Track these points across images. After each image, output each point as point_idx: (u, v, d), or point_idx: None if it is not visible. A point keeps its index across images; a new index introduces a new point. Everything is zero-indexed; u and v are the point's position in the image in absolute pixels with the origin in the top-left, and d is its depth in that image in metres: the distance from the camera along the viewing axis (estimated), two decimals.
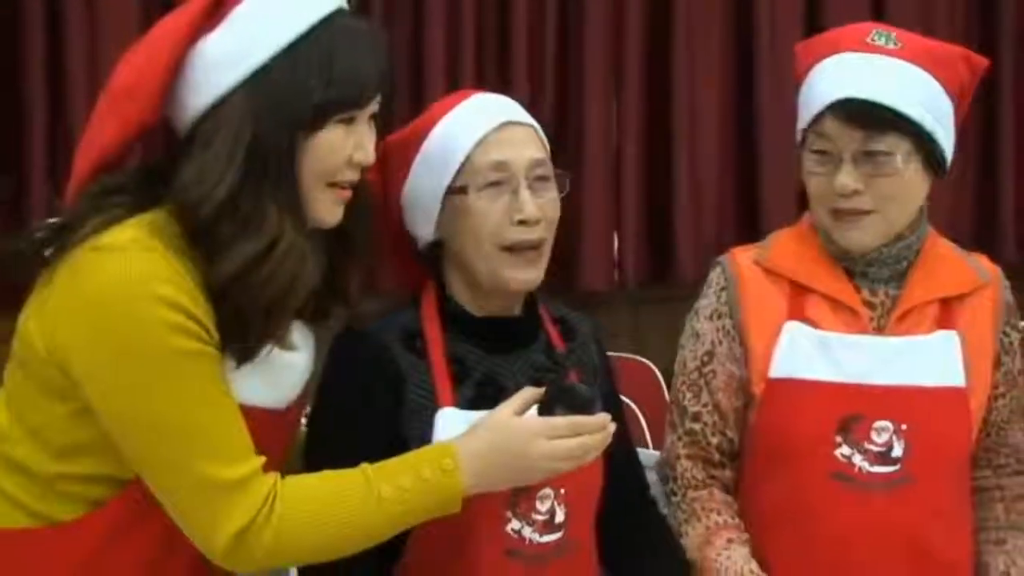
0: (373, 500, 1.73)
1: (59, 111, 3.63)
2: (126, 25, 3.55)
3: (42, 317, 1.71)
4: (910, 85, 2.04)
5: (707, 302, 2.18)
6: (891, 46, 2.06)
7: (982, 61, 2.16)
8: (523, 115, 1.98)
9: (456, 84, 3.84)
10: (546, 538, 1.91)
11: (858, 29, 2.11)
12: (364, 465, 1.76)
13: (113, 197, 1.72)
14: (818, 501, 2.07)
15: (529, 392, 1.84)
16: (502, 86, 3.82)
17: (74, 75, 3.61)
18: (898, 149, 2.04)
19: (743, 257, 2.19)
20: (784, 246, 2.19)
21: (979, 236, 4.49)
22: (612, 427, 1.83)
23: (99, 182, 1.74)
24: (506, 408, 1.82)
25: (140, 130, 1.74)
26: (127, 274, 1.65)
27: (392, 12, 3.93)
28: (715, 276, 2.19)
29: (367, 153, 1.78)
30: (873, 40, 2.06)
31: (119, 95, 1.73)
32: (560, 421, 1.80)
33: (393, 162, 1.96)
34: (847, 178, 2.04)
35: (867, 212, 2.07)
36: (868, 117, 2.03)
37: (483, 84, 3.83)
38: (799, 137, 2.13)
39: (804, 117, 2.10)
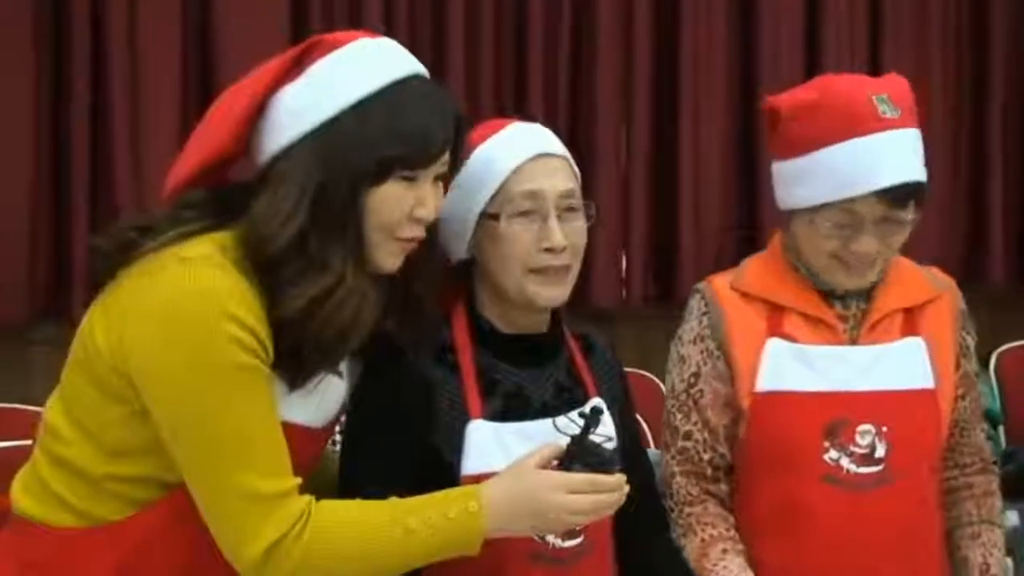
0: (399, 533, 1.71)
1: (102, 183, 3.66)
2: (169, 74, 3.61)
3: (108, 318, 1.71)
4: (920, 151, 2.09)
5: (689, 327, 2.19)
6: (895, 115, 2.06)
7: None
8: (557, 147, 1.97)
9: (476, 113, 3.85)
10: (567, 543, 1.91)
11: (859, 100, 2.07)
12: (393, 499, 1.75)
13: (188, 211, 1.74)
14: (812, 504, 2.09)
15: (551, 447, 1.82)
16: (519, 114, 3.83)
17: (118, 140, 3.65)
18: (914, 210, 2.08)
19: (719, 283, 2.20)
20: (757, 271, 2.21)
21: (969, 262, 4.49)
22: (626, 488, 1.81)
23: (181, 196, 1.77)
24: (530, 460, 1.80)
25: (218, 159, 1.77)
26: (201, 285, 1.65)
27: (414, 42, 3.94)
28: (695, 303, 2.21)
29: (429, 210, 1.77)
30: (884, 114, 2.06)
31: (210, 124, 1.78)
32: (579, 477, 1.77)
33: None
34: (873, 243, 2.07)
35: (874, 260, 2.10)
36: (907, 195, 2.06)
37: (501, 112, 3.85)
38: (808, 202, 2.10)
39: (823, 193, 2.07)
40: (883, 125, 2.06)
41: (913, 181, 2.05)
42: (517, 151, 1.93)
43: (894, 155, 2.06)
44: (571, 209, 1.94)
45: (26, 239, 3.60)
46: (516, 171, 1.92)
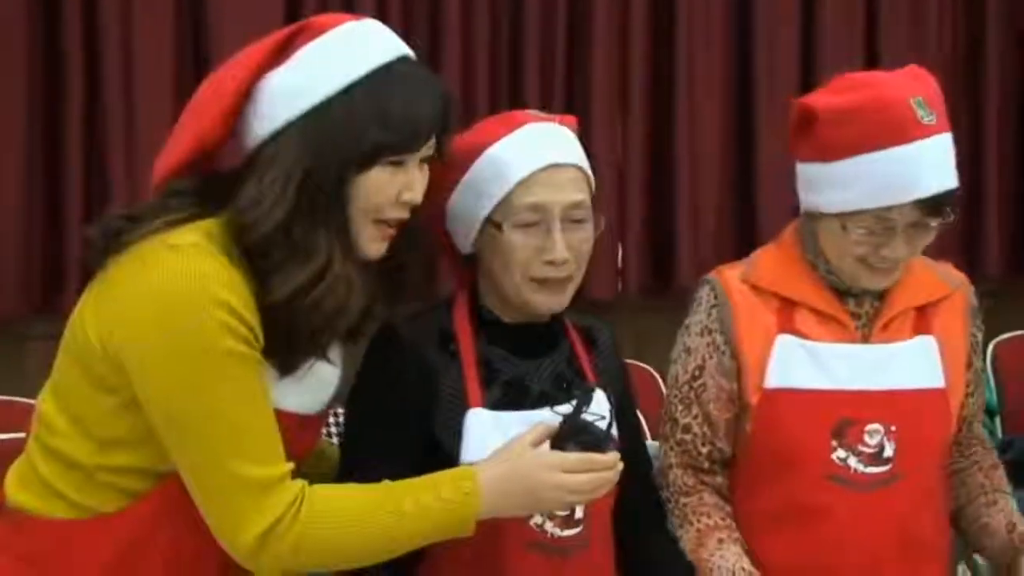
0: (395, 515, 1.72)
1: (96, 170, 3.65)
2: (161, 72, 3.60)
3: (99, 306, 1.71)
4: (953, 156, 2.05)
5: (698, 319, 2.16)
6: (932, 120, 2.01)
7: None
8: (572, 154, 1.92)
9: (470, 107, 3.84)
10: (566, 532, 1.91)
11: (900, 104, 2.02)
12: (387, 482, 1.75)
13: (176, 199, 1.73)
14: (817, 502, 2.07)
15: (544, 426, 1.82)
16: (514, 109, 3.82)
17: (112, 133, 3.63)
18: (945, 214, 2.06)
19: (730, 275, 2.17)
20: (769, 263, 2.17)
21: (965, 255, 4.48)
22: (620, 466, 1.81)
23: (168, 184, 1.76)
24: (523, 439, 1.79)
25: (206, 145, 1.76)
26: (190, 273, 1.65)
27: (409, 36, 3.92)
28: (705, 294, 2.17)
29: (415, 194, 1.77)
30: (922, 119, 2.01)
31: (195, 111, 1.76)
32: (573, 456, 1.77)
33: (440, 173, 1.89)
34: (904, 248, 2.04)
35: (899, 263, 2.08)
36: (945, 202, 2.03)
37: (496, 108, 3.84)
38: (843, 208, 2.05)
39: (861, 200, 2.02)
40: (923, 132, 2.01)
41: (951, 189, 2.03)
42: (528, 159, 1.89)
43: (934, 163, 2.02)
44: (577, 221, 1.91)
45: (21, 237, 3.59)
46: (523, 182, 1.88)
